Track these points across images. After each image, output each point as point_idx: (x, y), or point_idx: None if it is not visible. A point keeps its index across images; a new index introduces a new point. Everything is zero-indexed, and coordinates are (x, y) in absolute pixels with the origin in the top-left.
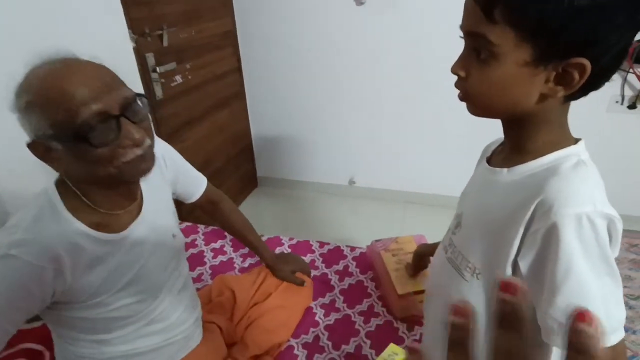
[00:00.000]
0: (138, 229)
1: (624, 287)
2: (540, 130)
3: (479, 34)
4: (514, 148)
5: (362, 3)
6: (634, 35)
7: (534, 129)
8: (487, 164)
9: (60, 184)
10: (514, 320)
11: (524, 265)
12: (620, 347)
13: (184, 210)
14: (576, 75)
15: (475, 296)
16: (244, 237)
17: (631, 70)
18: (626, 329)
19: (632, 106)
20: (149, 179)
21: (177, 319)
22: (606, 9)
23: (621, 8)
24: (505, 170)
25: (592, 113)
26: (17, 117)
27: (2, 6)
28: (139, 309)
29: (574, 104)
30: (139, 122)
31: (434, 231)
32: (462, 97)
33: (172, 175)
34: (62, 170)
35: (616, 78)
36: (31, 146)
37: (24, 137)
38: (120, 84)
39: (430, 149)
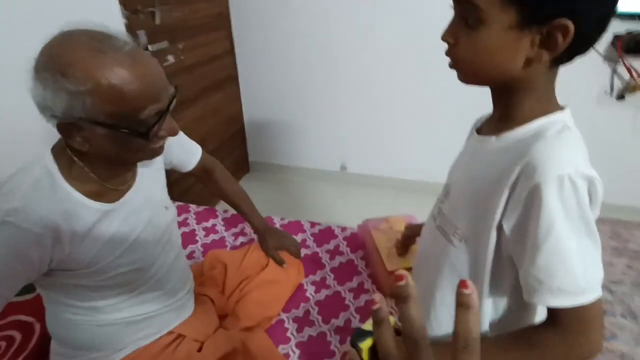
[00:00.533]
0: (133, 199)
1: (606, 272)
2: (527, 97)
3: (466, 0)
4: (503, 116)
5: None
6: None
7: (522, 96)
8: (476, 134)
9: (58, 152)
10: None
11: (507, 227)
12: (595, 306)
13: (177, 191)
14: (560, 38)
15: (463, 261)
16: (237, 205)
17: (620, 61)
18: (605, 312)
19: (620, 97)
20: None
21: (171, 289)
22: None
23: None
24: (493, 138)
25: (581, 104)
26: (41, 88)
27: None
28: (134, 278)
29: (561, 94)
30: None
31: (424, 217)
32: (451, 65)
33: (165, 147)
34: (85, 146)
35: (605, 69)
36: (61, 120)
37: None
38: (166, 80)
39: (421, 137)
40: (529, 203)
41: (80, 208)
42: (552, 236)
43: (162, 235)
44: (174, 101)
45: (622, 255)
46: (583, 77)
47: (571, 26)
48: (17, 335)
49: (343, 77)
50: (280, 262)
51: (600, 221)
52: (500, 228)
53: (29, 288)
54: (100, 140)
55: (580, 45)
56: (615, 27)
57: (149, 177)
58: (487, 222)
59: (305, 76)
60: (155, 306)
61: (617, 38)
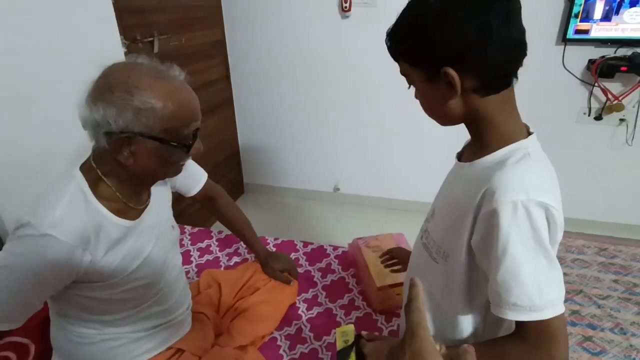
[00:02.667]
0: (147, 218)
1: (594, 287)
2: (487, 127)
3: (401, 72)
4: (475, 144)
5: (346, 17)
6: (464, 40)
7: (483, 127)
8: (457, 160)
9: (85, 171)
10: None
11: (474, 246)
12: (555, 322)
13: (173, 212)
14: (452, 80)
15: (443, 276)
16: (239, 232)
17: (596, 84)
18: (594, 327)
19: (598, 117)
20: None
21: (173, 305)
22: (423, 42)
23: (425, 34)
24: (467, 164)
25: (561, 124)
26: (103, 107)
27: None
28: (143, 293)
29: (544, 116)
30: None
31: (413, 235)
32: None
33: None
34: (130, 160)
35: (583, 91)
36: (116, 135)
37: (18, 140)
38: None
39: (412, 157)
40: (489, 225)
41: (108, 224)
42: (507, 256)
43: (168, 253)
44: None
45: (609, 270)
46: (562, 99)
47: (451, 71)
48: (13, 357)
49: (334, 101)
50: (288, 282)
51: (586, 238)
52: (470, 247)
53: None
54: (145, 154)
55: (488, 77)
56: (590, 53)
57: (159, 198)
58: (460, 241)
59: (297, 100)
60: (158, 321)
61: (591, 62)
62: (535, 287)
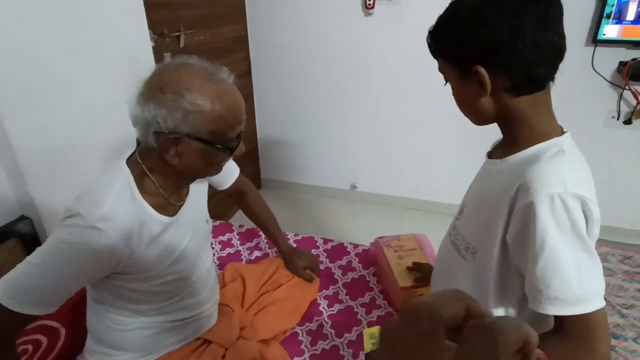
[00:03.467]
0: (185, 214)
1: (617, 296)
2: (521, 126)
3: (439, 70)
4: (507, 142)
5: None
6: (496, 40)
7: (515, 125)
8: (487, 157)
9: (132, 165)
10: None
11: (510, 241)
12: (596, 316)
13: None
14: (482, 79)
15: (473, 273)
16: (265, 228)
17: (627, 87)
18: (617, 336)
19: (627, 122)
20: None
21: (204, 297)
22: (457, 39)
23: (460, 32)
24: (499, 161)
25: (589, 128)
26: (154, 107)
27: (32, 7)
28: (178, 285)
29: (570, 118)
30: None
31: (432, 236)
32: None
33: None
34: (175, 160)
35: (612, 94)
36: (165, 135)
37: (53, 128)
38: None
39: (431, 157)
40: (526, 219)
41: (150, 219)
42: (546, 248)
43: (201, 247)
44: None
45: (634, 279)
46: (590, 102)
47: (481, 70)
48: (44, 340)
49: (354, 98)
50: (310, 280)
51: (611, 245)
52: (504, 242)
53: None
54: (191, 154)
55: (520, 78)
56: (621, 55)
57: (196, 194)
58: (492, 237)
59: (317, 97)
60: (189, 313)
61: (622, 65)
62: (576, 279)
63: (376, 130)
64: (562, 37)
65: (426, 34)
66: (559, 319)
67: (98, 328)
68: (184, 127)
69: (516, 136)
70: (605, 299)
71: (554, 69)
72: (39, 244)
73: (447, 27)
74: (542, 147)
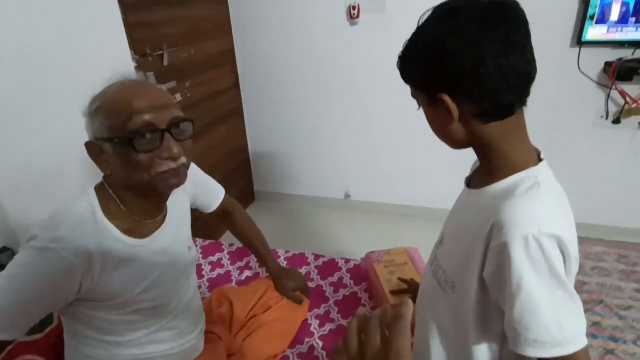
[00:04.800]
0: (160, 237)
1: (615, 297)
2: (492, 153)
3: (411, 93)
4: (483, 169)
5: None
6: (458, 68)
7: (487, 152)
8: (465, 187)
9: (99, 190)
10: None
11: (487, 278)
12: (579, 356)
13: None
14: (447, 106)
15: (451, 307)
16: (253, 247)
17: (613, 87)
18: (616, 339)
19: (616, 121)
20: (174, 192)
21: (185, 328)
22: (421, 67)
23: (423, 61)
24: (476, 192)
25: (579, 128)
26: (85, 121)
27: (10, 30)
28: (153, 314)
29: (560, 119)
30: (181, 141)
31: (426, 243)
32: None
33: (192, 189)
34: (109, 172)
35: (600, 94)
36: (88, 146)
37: (32, 155)
38: (174, 106)
39: (423, 163)
40: (500, 259)
41: (114, 243)
42: (522, 291)
43: (180, 275)
44: (184, 129)
45: (630, 278)
46: (578, 102)
47: (445, 97)
48: None
49: (344, 107)
50: (299, 302)
51: (606, 244)
52: (482, 278)
53: (38, 327)
54: (112, 160)
55: (487, 105)
56: (606, 55)
57: (176, 219)
58: (470, 272)
59: (306, 107)
60: (170, 345)
61: (608, 65)
62: (555, 321)
63: (367, 138)
64: (528, 61)
65: None
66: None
67: None
68: (94, 132)
69: (491, 164)
70: (602, 300)
71: (523, 94)
72: None
73: (412, 54)
74: (516, 179)
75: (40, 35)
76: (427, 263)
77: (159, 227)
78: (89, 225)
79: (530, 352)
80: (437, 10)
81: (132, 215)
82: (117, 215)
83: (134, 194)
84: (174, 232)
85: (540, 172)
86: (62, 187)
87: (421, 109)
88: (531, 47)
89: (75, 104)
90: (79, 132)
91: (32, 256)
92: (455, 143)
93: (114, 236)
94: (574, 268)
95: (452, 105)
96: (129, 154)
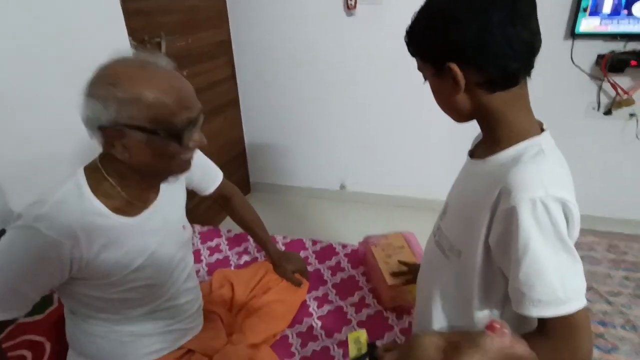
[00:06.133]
0: (152, 217)
1: (604, 284)
2: (497, 123)
3: (417, 66)
4: (487, 140)
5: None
6: (465, 37)
7: (491, 123)
8: (469, 157)
9: (90, 170)
10: None
11: (492, 243)
12: (580, 315)
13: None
14: (454, 75)
15: (456, 274)
16: (252, 232)
17: (605, 79)
18: (605, 324)
19: (607, 112)
20: None
21: (181, 307)
22: (429, 37)
23: (432, 31)
24: (481, 161)
25: (571, 118)
26: (92, 102)
27: (6, 17)
28: (148, 293)
29: (552, 111)
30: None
31: (421, 232)
32: None
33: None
34: (125, 155)
35: (592, 86)
36: (107, 129)
37: (31, 142)
38: (196, 96)
39: (417, 154)
40: (508, 223)
41: (100, 219)
42: (529, 252)
43: (176, 254)
44: (201, 116)
45: (620, 267)
46: (571, 94)
47: (453, 66)
48: (28, 355)
49: (339, 99)
50: (299, 284)
51: (596, 234)
52: (487, 244)
53: (38, 308)
54: (139, 147)
55: (493, 74)
56: (599, 47)
57: (170, 198)
58: (475, 239)
59: (303, 98)
60: (168, 322)
61: (600, 57)
62: (559, 282)
63: (363, 129)
64: (533, 32)
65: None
66: (542, 320)
67: (75, 339)
68: (121, 118)
69: (495, 135)
70: (592, 287)
71: (528, 64)
72: None
73: (420, 26)
74: (522, 147)
75: (37, 20)
76: (430, 235)
77: (152, 205)
78: (73, 203)
79: (534, 312)
80: None
81: (128, 196)
82: (109, 195)
83: (141, 177)
84: (167, 211)
85: (543, 141)
86: (60, 171)
87: (427, 84)
88: (537, 20)
89: (72, 90)
90: (76, 117)
91: (16, 235)
92: (460, 115)
93: (100, 213)
94: (576, 231)
95: (459, 73)
96: (166, 145)
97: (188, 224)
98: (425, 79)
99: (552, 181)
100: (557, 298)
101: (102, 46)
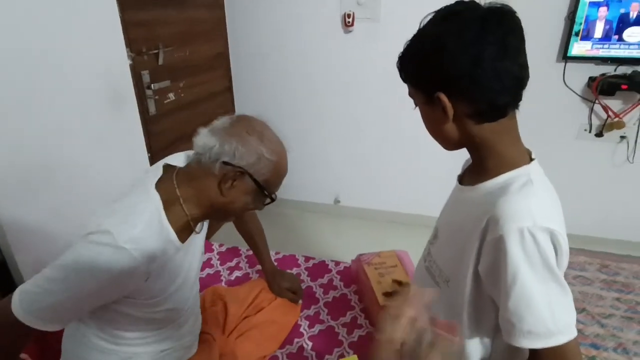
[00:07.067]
0: (194, 241)
1: (596, 305)
2: (485, 152)
3: (408, 93)
4: (476, 168)
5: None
6: (456, 68)
7: (483, 153)
8: (458, 183)
9: (163, 190)
10: None
11: (482, 272)
12: (570, 345)
13: None
14: (444, 105)
15: (446, 302)
16: (255, 245)
17: (597, 101)
18: (598, 346)
19: (599, 134)
20: None
21: (187, 329)
22: (421, 66)
23: (423, 60)
24: (470, 188)
25: (563, 140)
26: (237, 142)
27: (5, 25)
28: (170, 315)
29: (545, 132)
30: None
31: (415, 249)
32: None
33: None
34: (227, 192)
35: (584, 108)
36: (233, 167)
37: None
38: None
39: (412, 170)
40: (496, 253)
41: (169, 246)
42: (517, 283)
43: (196, 277)
44: None
45: (612, 288)
46: (563, 115)
47: (442, 96)
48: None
49: (335, 113)
50: (295, 301)
51: (588, 254)
52: (476, 273)
53: None
54: (242, 193)
55: (482, 106)
56: (590, 71)
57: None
58: (465, 267)
59: (298, 112)
60: (170, 344)
61: (592, 80)
62: (549, 313)
63: (358, 145)
64: (523, 66)
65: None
66: (533, 351)
67: (74, 347)
68: (251, 168)
69: (484, 163)
70: (585, 309)
71: (516, 97)
72: (7, 270)
73: (412, 53)
74: (510, 176)
75: (37, 30)
76: (420, 259)
77: (193, 232)
78: (156, 229)
79: (525, 343)
80: (439, 12)
81: (193, 222)
82: (177, 219)
83: (209, 210)
84: (198, 237)
85: (532, 170)
86: (52, 182)
87: (417, 110)
88: (525, 54)
89: (70, 98)
90: (76, 127)
91: (104, 253)
92: (449, 143)
93: (172, 241)
94: (565, 262)
95: (448, 104)
96: (257, 200)
97: (203, 249)
98: (416, 105)
99: (540, 211)
100: (547, 329)
101: (98, 55)
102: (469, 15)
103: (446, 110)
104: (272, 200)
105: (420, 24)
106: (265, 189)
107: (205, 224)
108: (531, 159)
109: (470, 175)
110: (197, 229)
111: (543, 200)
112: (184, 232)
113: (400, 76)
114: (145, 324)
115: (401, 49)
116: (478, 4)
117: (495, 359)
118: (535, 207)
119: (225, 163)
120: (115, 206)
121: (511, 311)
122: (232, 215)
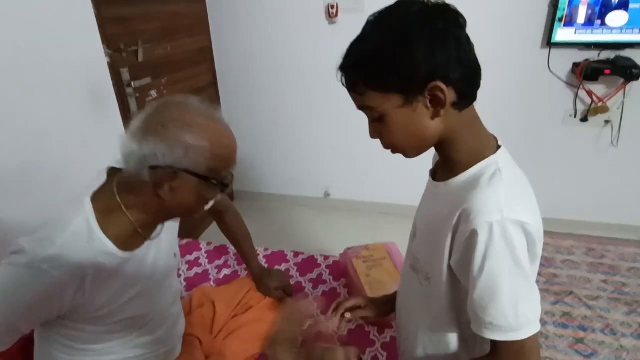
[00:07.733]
0: (148, 249)
1: (583, 288)
2: (457, 145)
3: (363, 106)
4: (446, 164)
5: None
6: (448, 54)
7: (452, 146)
8: (431, 179)
9: (99, 198)
10: None
11: (454, 266)
12: (530, 341)
13: None
14: (441, 94)
15: (429, 298)
16: (240, 247)
17: (581, 87)
18: (585, 328)
19: (584, 119)
20: None
21: (163, 333)
22: (400, 64)
23: (416, 47)
24: (442, 184)
25: (549, 126)
26: (154, 142)
27: None
28: (134, 323)
29: (531, 117)
30: None
31: (405, 239)
32: (393, 152)
33: None
34: (169, 195)
35: (569, 94)
36: (162, 170)
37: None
38: None
39: (401, 161)
40: (467, 246)
41: (107, 258)
42: (484, 275)
43: (164, 282)
44: None
45: (598, 270)
46: (549, 101)
47: (441, 84)
48: None
49: (322, 106)
50: (282, 299)
51: (575, 238)
52: (450, 267)
53: None
54: (186, 191)
55: (465, 90)
56: (574, 56)
57: (168, 227)
58: (440, 262)
59: (285, 106)
60: (146, 350)
61: (576, 66)
62: (512, 307)
63: (347, 137)
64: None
65: None
66: (494, 343)
67: None
68: (183, 163)
69: (454, 158)
70: (572, 291)
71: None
72: None
73: (379, 56)
74: (479, 168)
75: (10, 28)
76: (405, 258)
77: (147, 239)
78: (83, 242)
79: (487, 334)
80: (388, 10)
81: (141, 229)
82: (119, 225)
83: (165, 214)
84: (162, 239)
85: (499, 159)
86: (35, 186)
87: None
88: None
89: (45, 98)
90: (57, 127)
91: (21, 275)
92: (425, 145)
93: (108, 251)
94: (539, 249)
95: (446, 90)
96: (208, 193)
97: (179, 252)
98: (372, 120)
99: (510, 203)
100: (508, 323)
101: (75, 54)
102: (413, 10)
103: (444, 98)
104: (226, 185)
105: (366, 27)
106: (211, 178)
107: (174, 223)
108: (498, 146)
109: (442, 171)
110: (152, 235)
111: (512, 190)
112: (132, 239)
113: (352, 85)
114: (110, 334)
115: (345, 62)
116: None
117: (476, 352)
118: (504, 200)
119: (152, 168)
120: (44, 223)
121: (476, 302)
122: (191, 213)
